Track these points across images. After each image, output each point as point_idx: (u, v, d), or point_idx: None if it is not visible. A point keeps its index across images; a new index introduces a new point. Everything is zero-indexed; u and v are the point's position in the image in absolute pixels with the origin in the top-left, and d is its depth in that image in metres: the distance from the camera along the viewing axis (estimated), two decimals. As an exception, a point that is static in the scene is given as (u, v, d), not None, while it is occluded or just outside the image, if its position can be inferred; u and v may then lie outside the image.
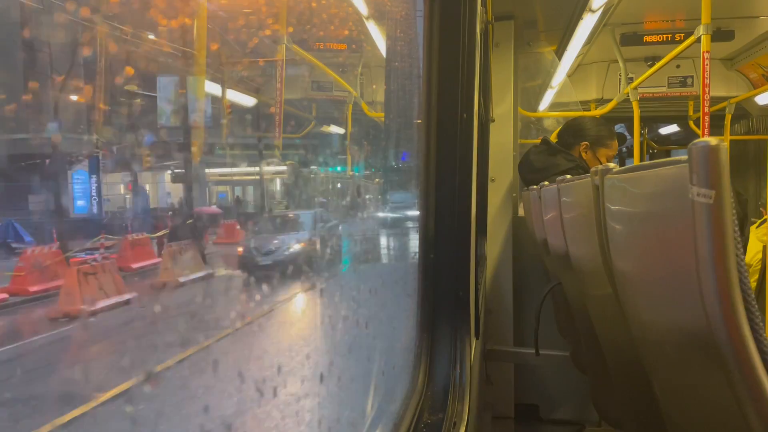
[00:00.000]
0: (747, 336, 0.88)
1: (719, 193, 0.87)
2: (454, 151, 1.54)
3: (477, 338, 2.02)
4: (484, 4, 2.26)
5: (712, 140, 0.87)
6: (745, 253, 4.13)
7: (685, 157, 0.94)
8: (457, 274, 1.57)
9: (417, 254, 1.57)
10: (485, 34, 2.73)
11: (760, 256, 4.21)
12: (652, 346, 1.29)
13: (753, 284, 4.06)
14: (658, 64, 4.20)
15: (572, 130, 3.82)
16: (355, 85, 4.96)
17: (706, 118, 3.39)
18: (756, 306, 0.91)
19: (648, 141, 8.34)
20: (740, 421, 0.94)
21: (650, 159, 8.61)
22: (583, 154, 3.71)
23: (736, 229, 0.91)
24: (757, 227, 4.44)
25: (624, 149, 7.85)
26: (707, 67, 3.28)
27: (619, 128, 7.06)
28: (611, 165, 1.54)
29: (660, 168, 1.04)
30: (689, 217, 0.92)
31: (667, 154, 8.78)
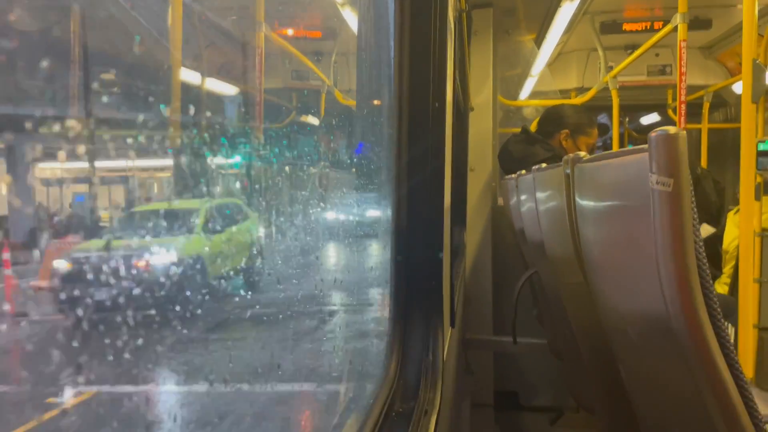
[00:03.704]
0: (705, 323, 0.89)
1: (678, 181, 0.87)
2: (425, 141, 1.54)
3: (453, 327, 2.03)
4: (458, -8, 2.26)
5: (671, 129, 0.88)
6: (722, 241, 4.17)
7: (646, 145, 0.94)
8: (431, 264, 1.57)
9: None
10: (460, 22, 2.72)
11: (737, 242, 4.26)
12: (619, 333, 1.30)
13: (730, 270, 4.12)
14: (636, 53, 4.22)
15: (552, 119, 3.84)
16: (329, 73, 4.91)
17: (683, 106, 3.42)
18: (714, 292, 0.92)
19: (629, 131, 8.40)
20: (700, 406, 0.95)
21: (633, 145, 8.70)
22: (563, 142, 3.73)
23: (695, 216, 0.91)
24: (734, 213, 4.50)
25: (609, 140, 7.90)
26: (684, 56, 3.30)
27: (602, 119, 7.08)
28: (582, 153, 1.55)
29: (623, 156, 1.05)
30: (650, 204, 0.92)
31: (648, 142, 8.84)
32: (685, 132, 0.88)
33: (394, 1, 1.49)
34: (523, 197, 2.66)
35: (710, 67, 5.66)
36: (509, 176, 3.35)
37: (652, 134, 0.89)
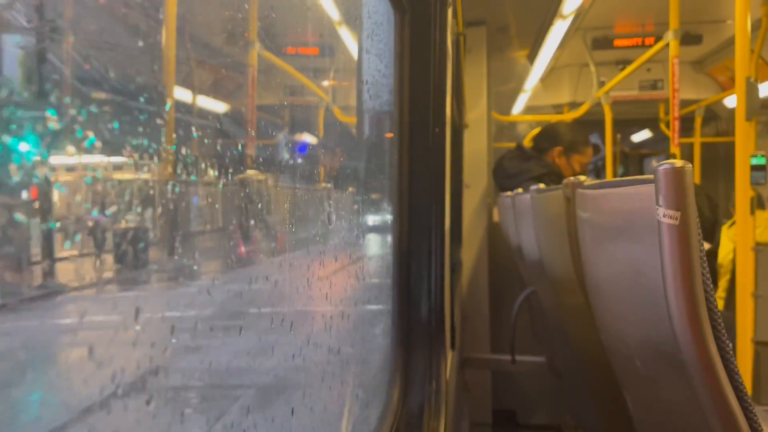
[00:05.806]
0: (714, 355, 0.89)
1: (685, 214, 0.87)
2: (426, 167, 1.55)
3: (453, 349, 2.03)
4: (455, 16, 2.27)
5: (678, 162, 0.88)
6: (717, 256, 4.20)
7: (652, 176, 0.95)
8: (433, 289, 1.57)
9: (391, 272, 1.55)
10: (457, 44, 2.74)
11: (731, 256, 4.28)
12: (623, 358, 1.30)
13: (725, 284, 4.13)
14: (628, 69, 4.25)
15: (547, 135, 3.88)
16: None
17: (676, 122, 3.45)
18: (722, 324, 0.92)
19: (621, 147, 8.46)
20: (709, 436, 0.95)
21: (624, 165, 8.76)
22: (557, 159, 3.75)
23: (702, 248, 0.92)
24: (728, 227, 4.52)
25: (600, 162, 7.95)
26: (677, 72, 3.33)
27: (594, 138, 7.13)
28: (582, 178, 1.55)
29: (628, 186, 1.05)
30: (656, 235, 0.93)
31: (640, 159, 8.97)
32: (691, 166, 0.88)
33: (394, 30, 1.50)
34: (520, 216, 2.67)
35: (701, 81, 5.70)
36: (505, 193, 3.36)
37: (659, 167, 0.89)
